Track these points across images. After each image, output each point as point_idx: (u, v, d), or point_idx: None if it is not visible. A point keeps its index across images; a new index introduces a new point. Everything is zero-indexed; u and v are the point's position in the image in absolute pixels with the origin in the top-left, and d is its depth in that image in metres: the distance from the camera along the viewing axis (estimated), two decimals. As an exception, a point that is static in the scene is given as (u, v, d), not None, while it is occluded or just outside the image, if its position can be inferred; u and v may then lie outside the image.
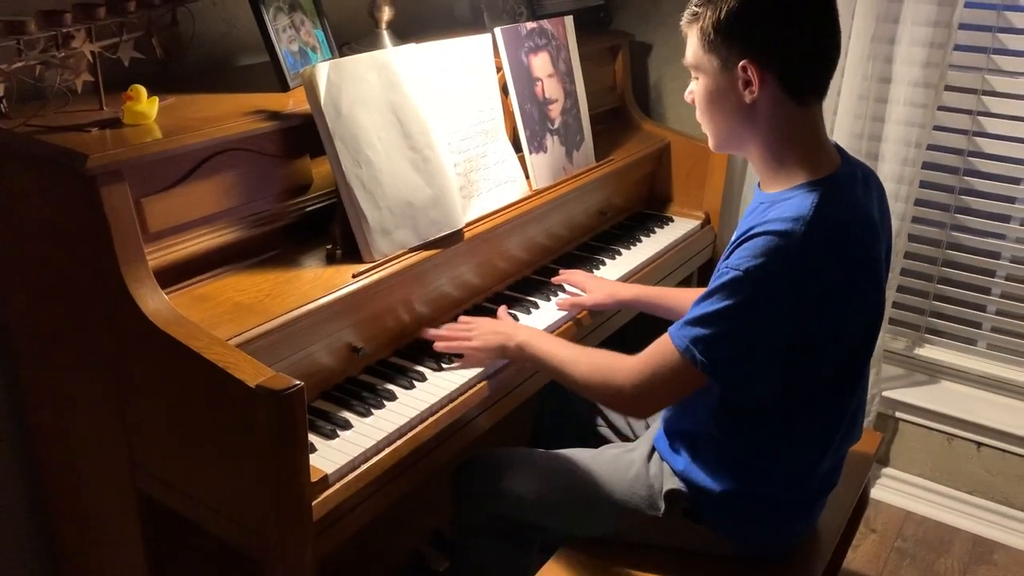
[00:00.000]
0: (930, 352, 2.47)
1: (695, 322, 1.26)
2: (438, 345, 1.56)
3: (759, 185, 1.36)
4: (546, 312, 1.77)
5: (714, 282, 1.25)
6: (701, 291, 1.77)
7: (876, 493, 2.51)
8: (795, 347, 1.25)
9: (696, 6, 1.29)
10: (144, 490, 1.38)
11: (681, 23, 1.33)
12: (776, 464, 1.38)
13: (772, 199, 1.28)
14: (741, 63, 1.24)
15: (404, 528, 2.04)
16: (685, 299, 1.74)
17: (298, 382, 1.13)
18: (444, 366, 1.54)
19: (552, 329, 1.73)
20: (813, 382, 1.31)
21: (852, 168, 1.33)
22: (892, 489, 2.51)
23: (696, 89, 1.34)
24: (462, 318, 1.64)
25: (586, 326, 1.81)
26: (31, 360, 1.48)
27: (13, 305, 1.45)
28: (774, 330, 1.23)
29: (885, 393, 2.43)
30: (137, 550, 1.44)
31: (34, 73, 1.26)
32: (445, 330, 1.60)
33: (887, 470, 2.53)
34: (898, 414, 2.46)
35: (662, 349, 1.31)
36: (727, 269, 1.23)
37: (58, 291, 1.35)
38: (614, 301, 1.80)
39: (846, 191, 1.28)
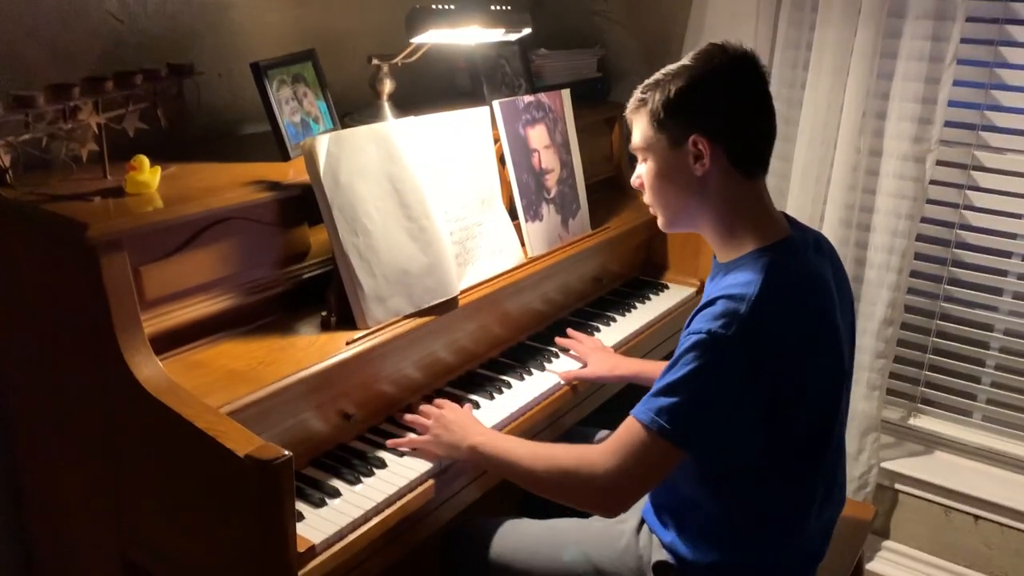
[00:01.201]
0: (925, 422, 2.46)
1: (660, 392, 1.27)
2: (390, 442, 1.49)
3: (715, 256, 1.41)
4: (540, 380, 1.77)
5: (678, 349, 1.29)
6: None
7: (876, 566, 2.48)
8: (760, 408, 1.27)
9: (642, 92, 1.37)
10: (131, 559, 1.37)
11: (626, 112, 1.41)
12: (757, 533, 1.38)
13: (727, 268, 1.34)
14: (692, 137, 1.31)
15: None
16: None
17: (286, 452, 1.13)
18: (436, 434, 1.55)
19: (547, 396, 1.74)
20: (782, 445, 1.32)
21: (803, 234, 1.40)
22: (892, 562, 2.48)
23: (645, 171, 1.40)
24: (437, 401, 1.59)
25: (581, 392, 1.81)
26: (25, 422, 1.49)
27: (9, 368, 1.46)
28: (738, 390, 1.25)
29: (884, 464, 2.42)
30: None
31: (40, 144, 1.29)
32: (408, 419, 1.56)
33: (887, 543, 2.50)
34: (897, 485, 2.44)
35: (629, 429, 1.29)
36: (690, 335, 1.27)
37: (54, 355, 1.37)
38: (614, 376, 1.80)
39: (798, 254, 1.34)
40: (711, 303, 1.27)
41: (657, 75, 1.35)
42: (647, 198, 1.42)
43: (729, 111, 1.31)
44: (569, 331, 1.92)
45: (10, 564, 1.60)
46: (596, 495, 1.33)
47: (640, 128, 1.38)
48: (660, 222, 1.43)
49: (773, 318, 1.25)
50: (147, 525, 1.33)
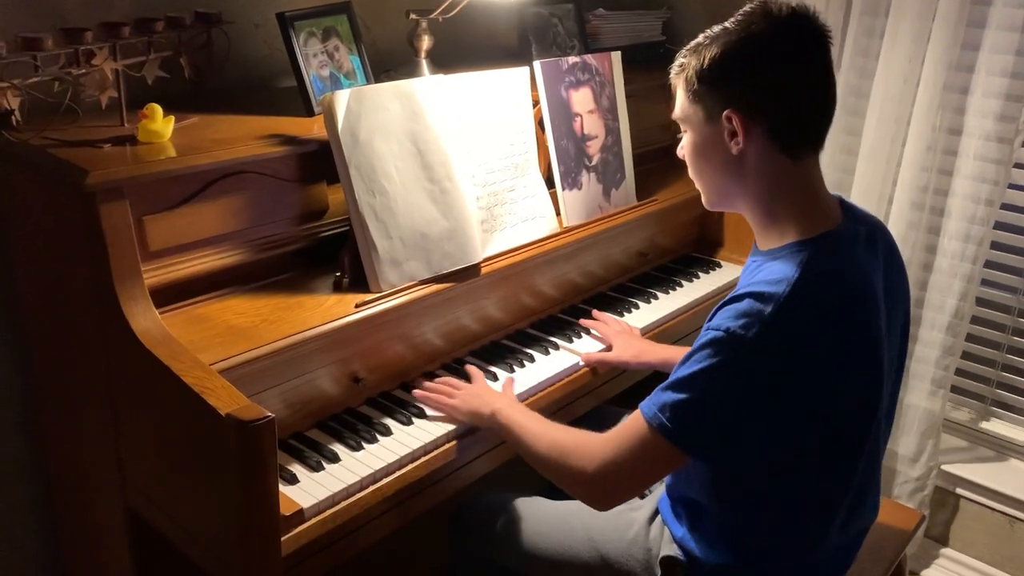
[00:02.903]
0: (997, 427, 2.28)
1: (668, 387, 1.17)
2: (416, 393, 1.50)
3: (755, 243, 1.29)
4: (565, 356, 1.70)
5: (695, 344, 1.17)
6: None
7: (932, 573, 2.33)
8: (778, 417, 1.15)
9: (682, 57, 1.24)
10: (133, 507, 1.38)
11: (670, 76, 1.28)
12: (773, 541, 1.28)
13: (764, 258, 1.22)
14: (725, 113, 1.18)
15: (414, 562, 2.00)
16: None
17: (268, 414, 1.10)
18: (447, 404, 1.50)
19: (569, 373, 1.66)
20: (804, 456, 1.21)
21: (855, 225, 1.24)
22: (949, 571, 2.32)
23: (685, 143, 1.28)
24: (472, 370, 1.57)
25: (603, 374, 1.73)
26: (42, 363, 1.51)
27: (30, 313, 1.48)
28: (753, 397, 1.14)
29: (945, 467, 2.26)
30: (125, 566, 1.44)
31: (52, 89, 1.29)
32: (436, 382, 1.53)
33: (945, 550, 2.35)
34: (959, 490, 2.28)
35: (632, 424, 1.20)
36: (708, 330, 1.15)
37: (64, 303, 1.37)
38: (639, 362, 1.69)
39: (841, 250, 1.19)
40: (738, 298, 1.15)
41: (699, 38, 1.22)
42: (690, 173, 1.31)
43: (768, 84, 1.16)
44: (595, 312, 1.82)
45: (33, 507, 1.64)
46: (584, 485, 1.25)
47: (679, 97, 1.25)
48: (703, 200, 1.32)
49: (801, 323, 1.12)
50: (144, 474, 1.33)
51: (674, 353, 1.69)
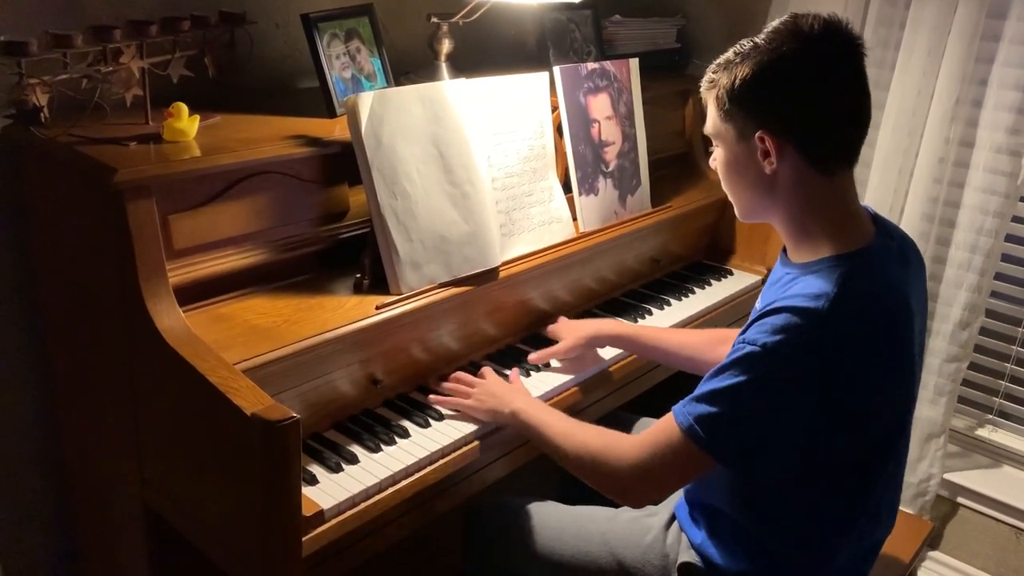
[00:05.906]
0: (1001, 437, 2.29)
1: (703, 399, 1.18)
2: (433, 398, 1.50)
3: (784, 251, 1.29)
4: (577, 362, 1.70)
5: (729, 357, 1.17)
6: (713, 331, 1.66)
7: (932, 581, 2.35)
8: (811, 431, 1.15)
9: (713, 72, 1.23)
10: (151, 505, 1.38)
11: (701, 90, 1.27)
12: (793, 549, 1.29)
13: (797, 271, 1.21)
14: (757, 133, 1.18)
15: (427, 568, 2.00)
16: (688, 342, 1.64)
17: (293, 414, 1.10)
18: (464, 407, 1.51)
19: (584, 378, 1.67)
20: (832, 468, 1.22)
21: (887, 240, 1.24)
22: (950, 580, 2.34)
23: (717, 158, 1.28)
24: (484, 370, 1.58)
25: (619, 378, 1.73)
26: (62, 359, 1.51)
27: (50, 309, 1.48)
28: (789, 412, 1.14)
29: (947, 475, 2.27)
30: (141, 563, 1.44)
31: (80, 86, 1.29)
32: (452, 380, 1.54)
33: (951, 560, 2.35)
34: (960, 499, 2.29)
35: (664, 428, 1.22)
36: (743, 344, 1.15)
37: (87, 299, 1.37)
38: (588, 339, 1.66)
39: (878, 267, 1.19)
40: (774, 311, 1.14)
41: (729, 53, 1.21)
42: (722, 186, 1.30)
43: (801, 105, 1.15)
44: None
45: (49, 502, 1.64)
46: (618, 485, 1.29)
47: (710, 113, 1.25)
48: (736, 212, 1.32)
49: (839, 340, 1.12)
50: (164, 473, 1.33)
51: (629, 328, 1.70)
